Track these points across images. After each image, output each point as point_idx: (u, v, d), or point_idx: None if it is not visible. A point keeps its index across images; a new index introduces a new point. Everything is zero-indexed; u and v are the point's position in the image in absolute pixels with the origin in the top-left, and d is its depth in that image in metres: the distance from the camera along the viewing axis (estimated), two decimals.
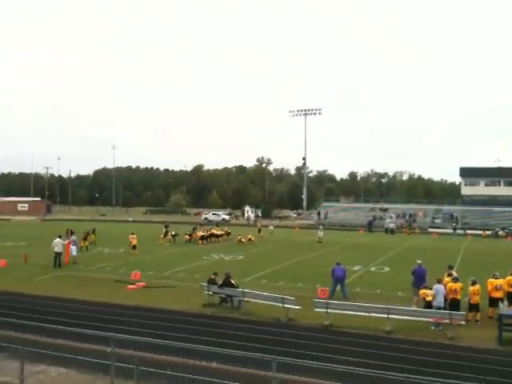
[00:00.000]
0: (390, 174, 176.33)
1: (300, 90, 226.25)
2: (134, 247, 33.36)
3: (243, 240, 41.28)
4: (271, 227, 57.85)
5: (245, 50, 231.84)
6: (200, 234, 42.26)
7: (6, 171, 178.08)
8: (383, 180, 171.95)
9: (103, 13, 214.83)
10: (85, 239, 35.00)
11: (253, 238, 42.60)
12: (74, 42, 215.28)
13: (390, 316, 14.87)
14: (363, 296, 19.72)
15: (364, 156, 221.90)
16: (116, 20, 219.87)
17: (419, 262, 19.54)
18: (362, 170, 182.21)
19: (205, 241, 41.51)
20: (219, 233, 44.97)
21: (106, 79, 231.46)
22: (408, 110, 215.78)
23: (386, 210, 77.89)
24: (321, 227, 48.96)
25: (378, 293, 20.94)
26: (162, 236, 41.01)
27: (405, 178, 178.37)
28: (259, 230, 51.66)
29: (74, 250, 28.57)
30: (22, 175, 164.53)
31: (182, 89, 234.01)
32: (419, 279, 18.33)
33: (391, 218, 68.87)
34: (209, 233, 43.41)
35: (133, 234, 34.45)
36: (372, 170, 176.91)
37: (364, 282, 23.76)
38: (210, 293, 18.32)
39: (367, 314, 15.28)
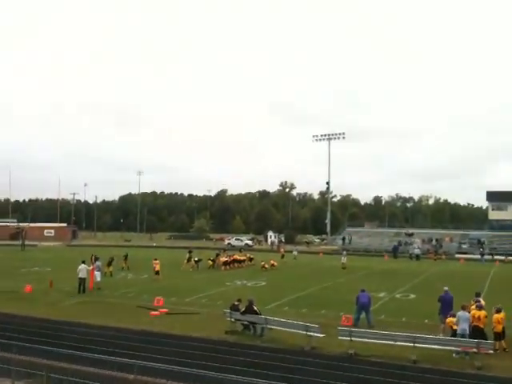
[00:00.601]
0: (416, 198, 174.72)
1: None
2: (157, 273, 33.51)
3: (266, 266, 41.13)
4: (295, 252, 57.41)
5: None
6: (223, 259, 42.27)
7: (33, 197, 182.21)
8: (408, 204, 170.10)
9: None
10: (109, 265, 35.29)
11: (275, 264, 42.40)
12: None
13: (416, 344, 14.56)
14: (388, 324, 19.38)
15: (388, 177, 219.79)
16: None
17: (446, 288, 19.17)
18: (386, 194, 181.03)
19: (227, 266, 41.48)
20: (242, 258, 44.90)
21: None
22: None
23: (411, 234, 76.83)
24: (344, 252, 48.47)
25: (403, 320, 20.55)
26: (186, 261, 41.09)
27: (430, 202, 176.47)
28: (282, 256, 51.41)
29: (98, 275, 28.81)
30: (49, 201, 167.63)
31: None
32: (446, 306, 17.96)
33: (411, 243, 68.00)
34: (231, 258, 43.39)
35: (156, 259, 34.58)
36: (397, 195, 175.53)
37: (389, 309, 23.34)
38: (233, 320, 18.22)
39: (392, 343, 15.00)
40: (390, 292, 28.85)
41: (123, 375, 9.62)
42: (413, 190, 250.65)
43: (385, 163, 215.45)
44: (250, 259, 45.85)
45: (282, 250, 57.77)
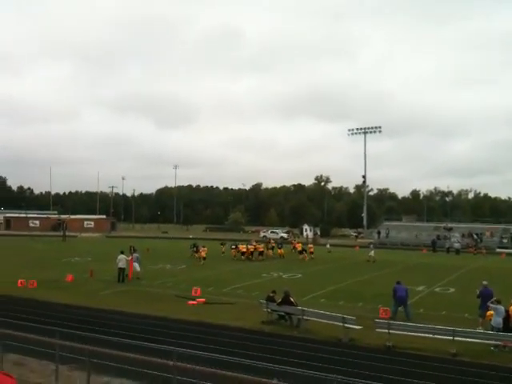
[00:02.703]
0: (455, 192, 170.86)
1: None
2: (203, 258, 37.99)
3: (297, 245, 45.80)
4: (328, 246, 56.88)
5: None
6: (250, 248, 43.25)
7: (73, 190, 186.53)
8: (447, 199, 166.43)
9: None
10: (197, 252, 40.13)
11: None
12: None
13: (456, 338, 14.30)
14: (427, 317, 19.09)
15: (426, 172, 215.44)
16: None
17: (485, 283, 18.76)
18: (424, 188, 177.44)
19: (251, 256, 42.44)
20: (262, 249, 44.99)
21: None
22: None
23: (450, 229, 75.34)
24: (371, 246, 47.31)
25: (442, 314, 20.22)
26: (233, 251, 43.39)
27: (470, 196, 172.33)
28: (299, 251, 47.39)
29: (137, 266, 29.35)
30: (88, 194, 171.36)
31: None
32: (485, 301, 17.59)
33: (450, 237, 66.77)
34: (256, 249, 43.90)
35: (204, 246, 39.59)
36: (435, 189, 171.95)
37: (428, 302, 23.01)
38: (269, 310, 18.29)
39: (431, 336, 14.78)
40: (429, 286, 28.40)
41: (163, 361, 9.76)
42: (452, 184, 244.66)
43: (423, 157, 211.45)
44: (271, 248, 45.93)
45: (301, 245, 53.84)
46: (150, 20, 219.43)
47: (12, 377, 3.65)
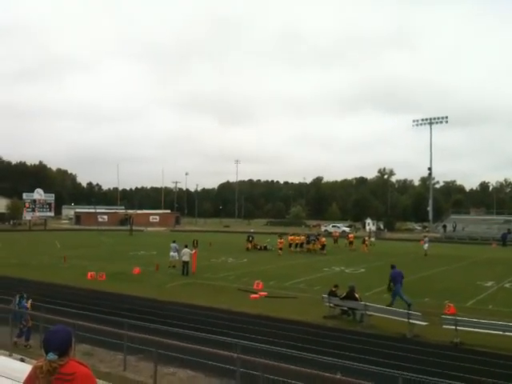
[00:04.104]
0: None
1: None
2: (280, 249, 40.84)
3: (349, 236, 47.87)
4: (373, 239, 55.70)
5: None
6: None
7: (139, 186, 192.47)
8: None
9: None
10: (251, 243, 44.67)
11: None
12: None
13: None
14: (496, 314, 18.38)
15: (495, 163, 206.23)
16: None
17: None
18: (494, 180, 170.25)
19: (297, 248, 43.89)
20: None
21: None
22: None
23: None
24: (426, 239, 45.29)
25: None
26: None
27: None
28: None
29: (176, 255, 30.38)
30: (153, 189, 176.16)
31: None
32: None
33: None
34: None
35: (281, 238, 41.86)
36: (506, 180, 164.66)
37: (497, 298, 22.12)
38: (331, 305, 18.17)
39: (501, 333, 14.21)
40: (499, 281, 27.27)
41: (227, 353, 9.91)
42: None
43: (492, 148, 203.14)
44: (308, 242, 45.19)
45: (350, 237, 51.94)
46: (215, 20, 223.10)
47: (85, 365, 3.81)
